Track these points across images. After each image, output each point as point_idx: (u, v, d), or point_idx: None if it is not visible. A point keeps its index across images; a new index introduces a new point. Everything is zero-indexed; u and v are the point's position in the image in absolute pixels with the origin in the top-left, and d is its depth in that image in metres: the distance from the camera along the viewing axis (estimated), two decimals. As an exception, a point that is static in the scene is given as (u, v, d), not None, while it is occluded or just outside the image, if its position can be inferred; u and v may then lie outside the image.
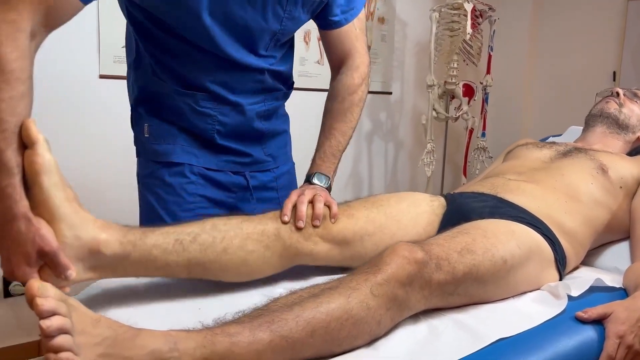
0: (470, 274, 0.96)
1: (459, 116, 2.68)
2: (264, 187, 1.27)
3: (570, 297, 1.03)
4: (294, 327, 0.77)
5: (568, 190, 1.29)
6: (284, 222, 1.06)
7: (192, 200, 1.17)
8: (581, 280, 1.11)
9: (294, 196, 1.11)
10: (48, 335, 0.60)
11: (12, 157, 0.79)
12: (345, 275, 0.90)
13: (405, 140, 3.01)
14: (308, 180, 1.20)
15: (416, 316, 0.94)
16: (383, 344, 0.86)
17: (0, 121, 0.78)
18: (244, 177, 1.23)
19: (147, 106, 1.17)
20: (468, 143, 2.81)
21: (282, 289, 1.05)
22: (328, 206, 1.11)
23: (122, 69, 1.91)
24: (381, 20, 2.76)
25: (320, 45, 2.49)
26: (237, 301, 0.99)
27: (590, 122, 1.60)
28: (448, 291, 0.94)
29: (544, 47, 3.01)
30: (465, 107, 2.66)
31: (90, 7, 0.97)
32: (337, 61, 1.26)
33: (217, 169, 1.20)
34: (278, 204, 1.28)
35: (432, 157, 2.63)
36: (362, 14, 1.24)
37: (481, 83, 2.72)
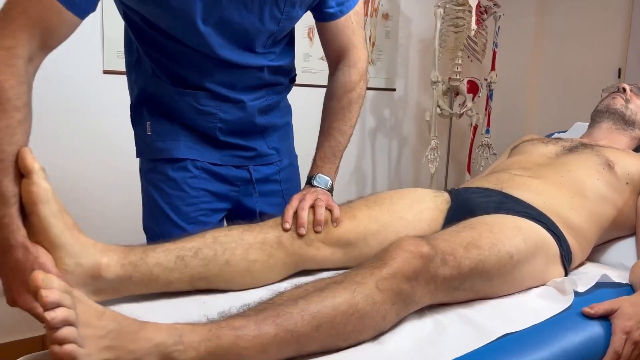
0: (476, 269, 0.95)
1: (463, 113, 2.67)
2: (267, 180, 1.26)
3: (576, 293, 1.03)
4: (300, 321, 0.76)
5: (574, 186, 1.28)
6: (285, 230, 1.06)
7: (196, 194, 1.17)
8: (587, 276, 1.11)
9: (294, 202, 1.10)
10: (53, 327, 0.60)
11: (9, 186, 0.80)
12: (350, 269, 0.89)
13: (409, 137, 3.00)
14: (309, 182, 1.19)
15: (421, 311, 0.93)
16: (388, 339, 0.86)
17: None
18: (247, 171, 1.23)
19: (148, 105, 1.17)
20: (472, 140, 2.80)
21: (287, 283, 1.05)
22: (330, 210, 1.11)
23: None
24: (385, 16, 2.75)
25: (324, 41, 2.48)
26: (241, 295, 0.99)
27: (596, 118, 1.60)
28: (454, 286, 0.94)
29: (549, 44, 2.99)
30: (469, 104, 2.65)
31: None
32: (335, 56, 1.24)
33: (220, 163, 1.19)
34: (281, 197, 1.28)
35: (436, 154, 2.62)
36: (360, 8, 1.23)
37: (485, 79, 2.71)
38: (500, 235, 1.01)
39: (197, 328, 0.72)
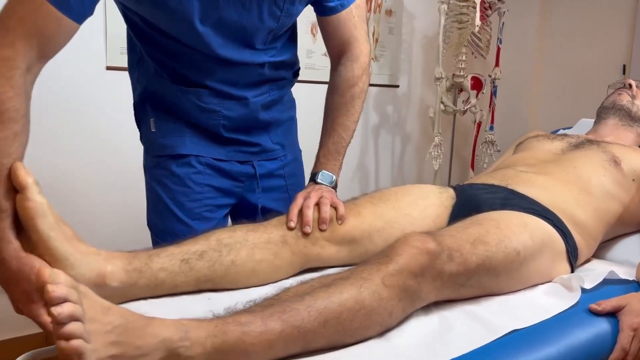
0: (482, 265, 0.95)
1: (467, 109, 2.66)
2: (271, 175, 1.26)
3: (583, 290, 1.02)
4: (306, 317, 0.76)
5: (580, 183, 1.27)
6: (290, 229, 1.05)
7: (200, 190, 1.16)
8: (594, 272, 1.10)
9: (299, 200, 1.10)
10: (59, 323, 0.59)
11: (1, 201, 0.79)
12: (356, 265, 0.89)
13: (412, 133, 2.99)
14: (313, 179, 1.19)
15: (427, 307, 0.93)
16: (394, 335, 0.85)
17: None
18: (251, 166, 1.22)
19: (151, 103, 1.17)
20: (476, 136, 2.79)
21: (292, 279, 1.05)
22: (334, 207, 1.10)
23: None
24: (389, 12, 2.74)
25: (327, 38, 2.47)
26: (247, 291, 0.99)
27: (602, 114, 1.59)
28: (460, 282, 0.93)
29: (553, 40, 2.98)
30: (473, 100, 2.64)
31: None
32: (337, 51, 1.23)
33: (225, 159, 1.19)
34: (286, 192, 1.27)
35: (439, 151, 2.62)
36: (362, 1, 1.22)
37: (490, 76, 2.70)
38: (507, 231, 1.01)
39: (203, 324, 0.72)
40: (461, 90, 2.70)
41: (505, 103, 3.00)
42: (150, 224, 1.21)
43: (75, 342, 0.60)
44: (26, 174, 0.79)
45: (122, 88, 1.95)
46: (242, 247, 1.00)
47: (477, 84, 2.66)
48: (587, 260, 1.27)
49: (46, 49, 0.88)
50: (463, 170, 3.13)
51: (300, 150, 1.36)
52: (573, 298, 1.00)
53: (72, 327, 0.60)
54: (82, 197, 1.93)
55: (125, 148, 1.95)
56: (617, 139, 1.49)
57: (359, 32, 1.22)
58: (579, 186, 1.26)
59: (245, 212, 1.23)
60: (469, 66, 2.67)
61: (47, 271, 0.61)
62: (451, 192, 1.25)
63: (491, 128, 2.74)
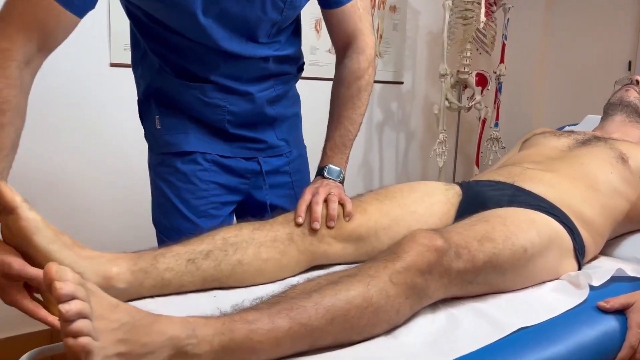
0: (490, 262, 0.94)
1: (471, 106, 2.65)
2: (277, 172, 1.25)
3: (591, 287, 1.02)
4: (313, 314, 0.76)
5: (587, 180, 1.27)
6: (299, 224, 1.05)
7: (205, 187, 1.16)
8: (602, 270, 1.09)
9: (307, 196, 1.09)
10: (67, 320, 0.59)
11: None
12: (363, 262, 0.89)
13: (417, 130, 2.98)
14: (320, 173, 1.18)
15: (435, 305, 0.93)
16: (402, 333, 0.85)
17: None
18: (257, 162, 1.22)
19: (156, 99, 1.16)
20: (481, 133, 2.78)
21: (298, 277, 1.04)
22: (342, 204, 1.10)
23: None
24: (393, 8, 2.73)
25: (332, 34, 2.46)
26: (253, 288, 0.99)
27: (609, 110, 1.58)
28: (467, 280, 0.93)
29: (559, 36, 2.97)
30: (478, 97, 2.63)
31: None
32: (342, 44, 1.23)
33: (231, 155, 1.18)
34: (291, 189, 1.27)
35: (444, 148, 2.61)
36: None
37: (494, 72, 2.68)
38: (514, 228, 1.00)
39: (210, 321, 0.72)
40: (466, 86, 2.69)
41: (511, 100, 2.99)
42: (156, 222, 1.21)
43: (83, 340, 0.59)
44: (13, 194, 0.77)
45: (125, 85, 1.95)
46: (249, 245, 1.00)
47: (482, 81, 2.65)
48: (595, 258, 1.26)
49: (46, 42, 0.88)
50: (468, 167, 3.13)
51: (305, 147, 1.35)
52: (581, 295, 0.99)
53: (79, 324, 0.59)
54: (83, 194, 1.93)
55: (128, 145, 1.95)
56: (624, 136, 1.48)
57: (364, 24, 1.21)
58: (586, 183, 1.26)
59: (252, 209, 1.23)
60: (474, 62, 2.66)
61: (54, 268, 0.60)
62: (457, 189, 1.25)
63: (496, 125, 2.73)
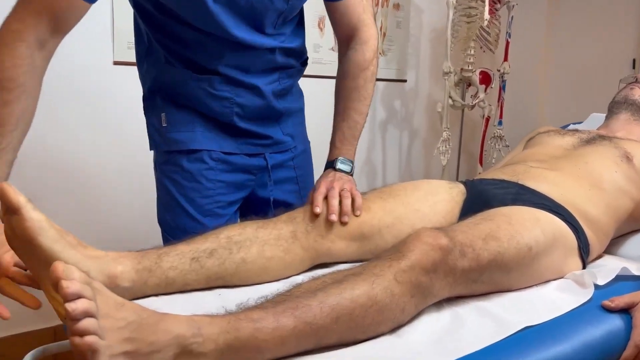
0: (494, 261, 0.94)
1: (475, 104, 2.64)
2: (282, 167, 1.26)
3: (596, 286, 1.02)
4: (318, 313, 0.76)
5: (591, 178, 1.27)
6: (316, 214, 1.06)
7: (212, 186, 1.16)
8: (607, 269, 1.09)
9: (322, 188, 1.11)
10: (74, 319, 0.59)
11: None
12: (368, 261, 0.89)
13: (420, 128, 2.98)
14: (332, 166, 1.18)
15: (439, 304, 0.93)
16: (406, 331, 0.85)
17: None
18: (263, 158, 1.22)
19: (162, 95, 1.16)
20: (484, 131, 2.78)
21: (302, 275, 1.04)
22: (352, 199, 1.10)
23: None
24: (396, 6, 2.72)
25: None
26: (257, 287, 0.99)
27: (613, 109, 1.57)
28: (472, 278, 0.93)
29: (563, 34, 2.96)
30: (481, 95, 2.63)
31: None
32: (345, 35, 1.23)
33: (237, 152, 1.18)
34: (296, 184, 1.27)
35: (447, 146, 2.60)
36: None
37: (498, 70, 2.68)
38: (519, 227, 1.00)
39: (215, 320, 0.72)
40: (469, 84, 2.68)
41: (514, 98, 2.98)
42: (161, 221, 1.21)
43: (89, 339, 0.59)
44: (16, 194, 0.78)
45: (129, 83, 1.95)
46: (253, 244, 1.00)
47: (486, 79, 2.64)
48: (599, 256, 1.26)
49: (57, 26, 0.91)
50: (471, 166, 3.12)
51: (309, 142, 1.35)
52: (586, 294, 0.99)
53: (86, 323, 0.60)
54: (86, 193, 1.93)
55: (131, 144, 1.95)
56: (628, 134, 1.47)
57: (367, 15, 1.22)
58: (590, 182, 1.26)
59: (256, 206, 1.23)
60: (478, 60, 2.65)
61: (61, 267, 0.61)
62: (461, 187, 1.25)
63: (500, 123, 2.72)
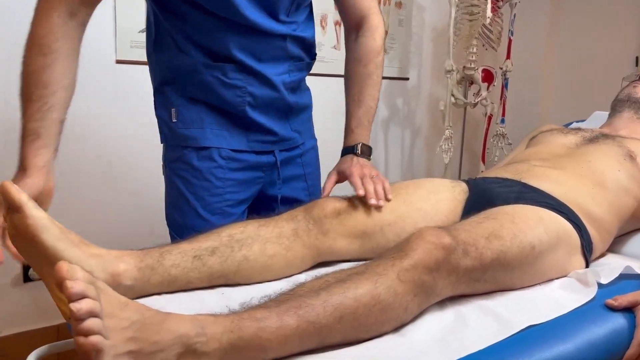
0: (497, 260, 0.94)
1: (477, 102, 2.64)
2: (291, 164, 1.26)
3: (599, 285, 1.01)
4: (322, 312, 0.76)
5: (594, 177, 1.26)
6: (360, 196, 1.11)
7: (221, 184, 1.16)
8: (610, 267, 1.09)
9: (356, 174, 1.15)
10: (78, 319, 0.59)
11: (28, 122, 0.92)
12: (371, 260, 0.89)
13: (422, 126, 2.97)
14: (352, 152, 1.21)
15: (442, 302, 0.93)
16: (409, 330, 0.85)
17: (25, 93, 0.93)
18: (272, 155, 1.22)
19: (173, 86, 1.16)
20: (487, 129, 2.77)
21: (305, 274, 1.04)
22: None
23: (139, 54, 1.90)
24: (398, 4, 2.72)
25: (337, 30, 2.45)
26: (260, 286, 0.99)
27: (617, 107, 1.57)
28: (475, 277, 0.93)
29: (565, 32, 2.95)
30: (484, 93, 2.62)
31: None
32: (355, 23, 1.27)
33: (247, 149, 1.18)
34: (304, 181, 1.28)
35: (450, 144, 2.60)
36: None
37: (501, 68, 2.67)
38: (522, 225, 1.00)
39: (219, 319, 0.72)
40: (472, 82, 2.68)
41: (517, 96, 2.98)
42: (169, 219, 1.21)
43: (93, 338, 0.60)
44: (18, 192, 0.78)
45: (131, 82, 1.96)
46: (254, 242, 1.00)
47: (488, 77, 2.64)
48: (602, 255, 1.26)
49: None
50: (473, 164, 3.12)
51: (316, 139, 1.36)
52: (589, 293, 0.99)
53: (90, 323, 0.60)
54: (88, 191, 1.93)
55: (133, 142, 1.95)
56: (632, 132, 1.47)
57: (374, 3, 1.28)
58: (593, 180, 1.25)
59: (264, 204, 1.23)
60: (480, 58, 2.65)
61: (65, 267, 0.61)
62: (464, 186, 1.25)
63: (502, 121, 2.72)
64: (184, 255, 0.94)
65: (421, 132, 2.98)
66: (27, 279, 1.81)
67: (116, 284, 0.86)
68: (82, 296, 0.60)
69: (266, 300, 0.79)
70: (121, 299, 0.67)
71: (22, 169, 0.93)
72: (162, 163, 1.23)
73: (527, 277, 1.02)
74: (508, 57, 2.66)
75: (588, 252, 1.14)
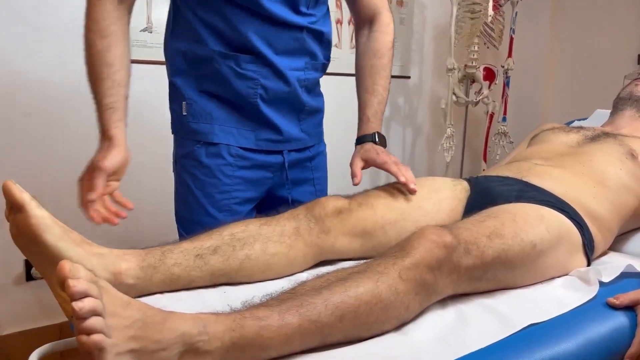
0: (499, 258, 0.94)
1: (479, 100, 2.64)
2: (299, 167, 1.27)
3: (601, 283, 1.01)
4: (323, 311, 0.76)
5: (596, 176, 1.26)
6: (402, 183, 1.15)
7: (229, 182, 1.16)
8: (612, 266, 1.09)
9: (391, 162, 1.18)
10: (80, 317, 0.59)
11: (104, 97, 1.03)
12: (372, 259, 0.89)
13: (424, 125, 2.97)
14: (371, 140, 1.24)
15: (444, 301, 0.93)
16: (411, 329, 0.85)
17: (96, 72, 1.03)
18: (281, 155, 1.23)
19: (186, 78, 1.16)
20: (488, 128, 2.77)
21: (307, 273, 1.05)
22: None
23: (142, 53, 1.90)
24: (400, 2, 2.72)
25: (338, 29, 2.45)
26: (262, 284, 0.99)
27: (618, 105, 1.57)
28: (476, 276, 0.93)
29: (567, 30, 2.94)
30: (485, 91, 2.62)
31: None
32: (367, 18, 1.31)
33: (255, 148, 1.19)
34: (312, 186, 1.28)
35: (451, 142, 2.60)
36: None
37: (502, 66, 2.67)
38: (524, 224, 1.00)
39: (221, 318, 0.72)
40: (473, 81, 2.67)
41: (518, 94, 2.97)
42: (179, 216, 1.22)
43: (96, 337, 0.60)
44: (20, 192, 0.78)
45: (135, 81, 1.95)
46: (256, 241, 1.00)
47: (490, 75, 2.64)
48: (604, 253, 1.26)
49: None
50: (475, 162, 3.11)
51: (325, 145, 1.36)
52: (591, 291, 0.99)
53: (92, 321, 0.60)
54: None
55: (134, 142, 1.94)
56: (634, 131, 1.47)
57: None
58: (594, 179, 1.25)
59: (275, 206, 1.23)
60: (482, 57, 2.65)
61: (68, 266, 0.61)
62: (465, 184, 1.25)
63: (504, 119, 2.72)
64: (186, 254, 0.95)
65: (423, 131, 2.97)
66: (29, 277, 1.82)
67: (118, 283, 0.87)
68: (85, 295, 0.60)
69: (268, 299, 0.79)
70: (123, 298, 0.67)
71: (107, 138, 1.05)
72: (172, 159, 1.24)
73: (528, 275, 1.02)
74: (510, 55, 2.66)
75: (590, 251, 1.14)
